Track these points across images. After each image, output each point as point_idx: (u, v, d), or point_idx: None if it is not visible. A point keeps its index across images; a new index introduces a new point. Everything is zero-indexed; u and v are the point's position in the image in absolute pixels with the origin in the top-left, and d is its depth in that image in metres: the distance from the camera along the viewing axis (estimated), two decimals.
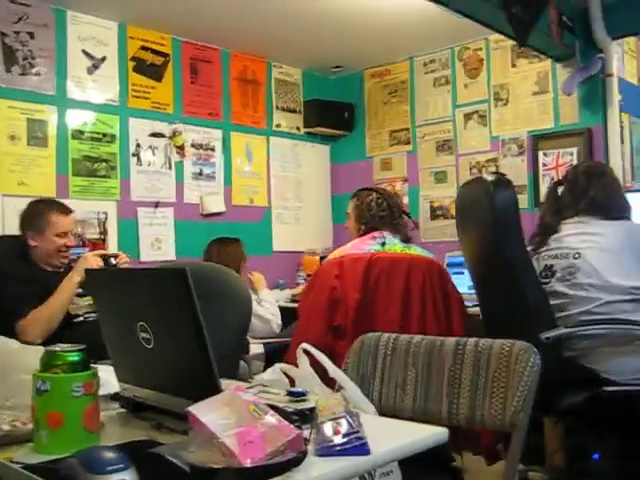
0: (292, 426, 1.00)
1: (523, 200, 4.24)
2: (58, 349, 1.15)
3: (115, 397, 1.41)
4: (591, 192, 2.49)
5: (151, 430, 1.22)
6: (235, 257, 3.77)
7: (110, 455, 0.94)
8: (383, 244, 2.96)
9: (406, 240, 3.06)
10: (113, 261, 2.78)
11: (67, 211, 2.90)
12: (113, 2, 3.90)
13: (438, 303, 2.78)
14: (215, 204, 4.55)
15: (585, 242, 2.42)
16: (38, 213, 2.85)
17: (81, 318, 2.75)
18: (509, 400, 1.49)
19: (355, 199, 3.13)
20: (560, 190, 2.64)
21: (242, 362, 3.18)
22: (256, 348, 3.53)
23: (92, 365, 1.17)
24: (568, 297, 2.43)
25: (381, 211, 3.07)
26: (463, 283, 3.46)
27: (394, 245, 2.95)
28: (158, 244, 4.22)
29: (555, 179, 4.18)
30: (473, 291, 2.82)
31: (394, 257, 2.85)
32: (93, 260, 2.74)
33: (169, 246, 4.28)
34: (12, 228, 3.10)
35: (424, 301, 2.76)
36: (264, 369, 3.45)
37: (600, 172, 2.59)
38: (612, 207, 2.49)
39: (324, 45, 4.68)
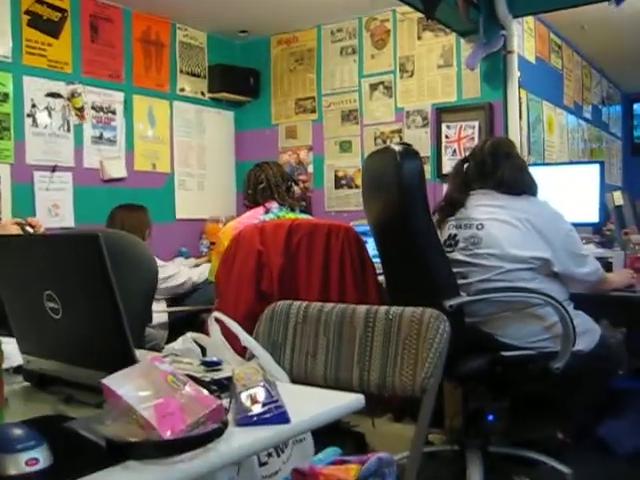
0: (212, 397, 0.98)
1: (427, 171, 4.32)
2: None
3: (18, 370, 1.34)
4: (498, 173, 2.55)
5: (60, 404, 1.17)
6: (140, 225, 3.68)
7: (19, 432, 0.89)
8: (275, 216, 3.08)
9: (294, 209, 3.21)
10: (30, 230, 2.63)
11: None
12: None
13: (356, 269, 2.84)
14: (116, 169, 4.39)
15: (488, 214, 2.50)
16: None
17: None
18: (419, 366, 1.52)
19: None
20: (466, 166, 2.69)
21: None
22: (160, 317, 3.47)
23: None
24: (469, 265, 2.51)
25: (259, 184, 3.25)
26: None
27: (285, 215, 3.10)
28: (56, 210, 4.03)
29: (457, 151, 4.29)
30: (378, 260, 2.86)
31: (315, 223, 2.90)
32: (13, 229, 2.57)
33: (68, 212, 4.10)
34: None
35: (343, 267, 2.81)
36: (168, 338, 3.41)
37: (506, 152, 2.64)
38: (518, 185, 2.57)
39: (230, 8, 4.56)
